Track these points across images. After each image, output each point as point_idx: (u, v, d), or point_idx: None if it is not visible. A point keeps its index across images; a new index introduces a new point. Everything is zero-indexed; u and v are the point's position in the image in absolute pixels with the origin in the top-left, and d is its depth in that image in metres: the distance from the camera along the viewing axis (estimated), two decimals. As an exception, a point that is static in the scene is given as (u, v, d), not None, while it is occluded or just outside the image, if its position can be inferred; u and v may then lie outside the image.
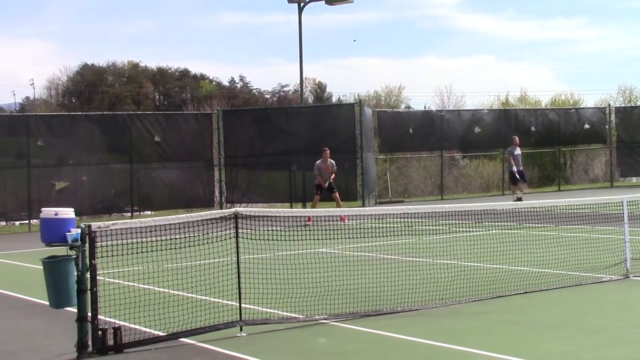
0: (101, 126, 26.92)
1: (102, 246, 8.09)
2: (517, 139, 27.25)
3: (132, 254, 8.71)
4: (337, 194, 22.57)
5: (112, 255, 8.36)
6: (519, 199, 24.96)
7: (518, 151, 26.93)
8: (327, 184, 22.40)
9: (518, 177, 26.81)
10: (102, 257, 8.12)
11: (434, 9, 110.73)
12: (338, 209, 19.33)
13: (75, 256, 7.88)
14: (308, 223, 14.69)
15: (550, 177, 39.05)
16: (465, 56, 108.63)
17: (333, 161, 22.77)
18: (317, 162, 22.77)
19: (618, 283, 11.09)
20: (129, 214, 26.01)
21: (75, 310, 7.97)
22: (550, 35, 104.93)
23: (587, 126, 34.54)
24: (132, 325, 8.59)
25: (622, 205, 12.00)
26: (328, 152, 22.74)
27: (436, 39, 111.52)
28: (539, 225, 16.27)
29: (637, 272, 11.55)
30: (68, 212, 8.09)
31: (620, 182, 36.03)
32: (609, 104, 39.15)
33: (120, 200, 26.73)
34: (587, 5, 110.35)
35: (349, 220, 16.79)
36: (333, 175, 22.63)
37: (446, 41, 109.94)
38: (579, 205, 13.71)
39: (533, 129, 33.40)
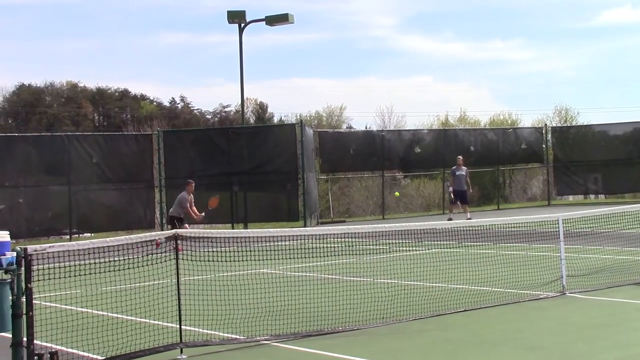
0: (38, 147, 26.50)
1: (38, 269, 7.95)
2: (461, 158, 27.39)
3: (70, 277, 8.57)
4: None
5: (49, 279, 8.22)
6: (450, 219, 24.74)
7: (460, 171, 26.95)
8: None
9: (452, 197, 27.03)
10: (38, 280, 7.97)
11: (374, 29, 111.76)
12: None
13: (10, 280, 7.72)
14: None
15: (489, 196, 39.58)
16: (405, 77, 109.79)
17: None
18: (183, 193, 21.49)
19: (555, 300, 11.29)
20: (68, 237, 25.59)
21: (10, 336, 7.79)
22: (488, 57, 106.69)
23: (524, 146, 35.17)
24: (70, 350, 8.45)
25: (558, 224, 12.23)
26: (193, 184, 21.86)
27: (376, 59, 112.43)
28: (478, 243, 16.47)
29: (573, 288, 11.77)
30: (3, 235, 7.93)
31: (557, 200, 36.72)
32: (546, 124, 40.05)
33: (59, 222, 26.32)
34: (523, 27, 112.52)
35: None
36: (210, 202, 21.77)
37: (386, 62, 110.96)
38: (517, 223, 13.93)
39: (472, 148, 33.86)
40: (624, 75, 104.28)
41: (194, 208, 21.38)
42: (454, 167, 27.29)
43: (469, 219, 24.48)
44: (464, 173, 27.06)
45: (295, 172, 27.53)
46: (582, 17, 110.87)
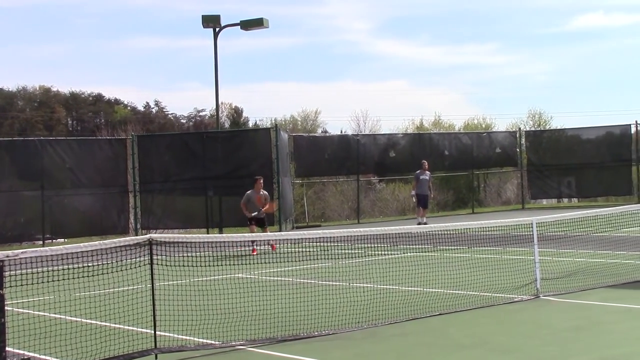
0: (11, 152, 26.28)
1: (10, 275, 7.87)
2: (426, 163, 27.60)
3: (43, 283, 8.49)
4: (267, 229, 21.17)
5: (22, 285, 8.15)
6: (420, 224, 24.94)
7: (424, 176, 27.22)
8: (257, 214, 20.65)
9: (414, 201, 27.33)
10: (10, 286, 7.90)
11: (349, 34, 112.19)
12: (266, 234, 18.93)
13: (-18, 286, 7.63)
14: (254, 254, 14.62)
15: (464, 200, 39.80)
16: (381, 81, 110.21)
17: (266, 192, 21.49)
18: (248, 192, 20.96)
19: (529, 303, 11.35)
20: (41, 242, 25.37)
21: (-18, 343, 7.71)
22: (463, 61, 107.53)
23: (499, 150, 35.37)
24: (43, 357, 8.38)
25: (532, 227, 12.30)
26: (261, 180, 21.30)
27: (352, 63, 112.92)
28: (453, 247, 16.54)
29: (546, 291, 11.84)
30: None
31: (531, 204, 36.94)
32: (519, 128, 40.24)
33: (32, 228, 26.09)
34: (497, 32, 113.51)
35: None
36: (267, 206, 21.04)
37: (361, 66, 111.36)
38: (491, 227, 14.00)
39: (447, 152, 34.00)
40: (596, 80, 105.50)
41: (267, 205, 20.94)
42: (418, 171, 27.52)
43: (425, 223, 24.70)
44: (427, 177, 27.34)
45: (271, 177, 27.43)
46: (555, 22, 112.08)
